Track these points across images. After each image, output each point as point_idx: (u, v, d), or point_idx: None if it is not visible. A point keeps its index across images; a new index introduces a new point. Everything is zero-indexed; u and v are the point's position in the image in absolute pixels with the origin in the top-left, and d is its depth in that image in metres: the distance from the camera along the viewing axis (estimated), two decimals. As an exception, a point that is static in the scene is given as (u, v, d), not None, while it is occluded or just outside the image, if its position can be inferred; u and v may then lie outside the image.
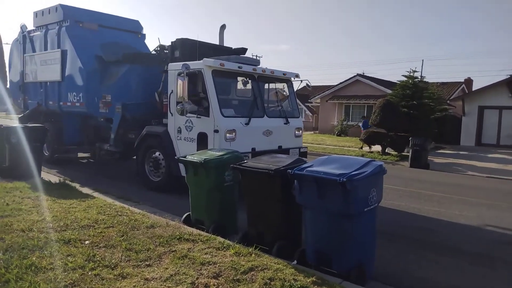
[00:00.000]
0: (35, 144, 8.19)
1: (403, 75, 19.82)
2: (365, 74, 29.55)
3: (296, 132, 8.63)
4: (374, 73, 75.41)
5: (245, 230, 4.90)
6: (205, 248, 4.25)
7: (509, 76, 21.17)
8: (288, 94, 8.82)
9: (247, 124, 7.42)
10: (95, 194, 7.14)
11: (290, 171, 4.13)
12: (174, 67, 7.70)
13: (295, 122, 8.65)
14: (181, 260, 3.87)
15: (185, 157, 5.40)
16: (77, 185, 7.67)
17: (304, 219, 4.25)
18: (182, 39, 8.25)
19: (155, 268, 3.67)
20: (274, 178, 4.40)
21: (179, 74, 7.15)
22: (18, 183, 7.08)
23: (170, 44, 8.43)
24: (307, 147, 9.33)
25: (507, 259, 5.00)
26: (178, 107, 7.16)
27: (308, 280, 3.58)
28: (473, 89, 28.23)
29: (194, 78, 7.30)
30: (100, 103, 9.51)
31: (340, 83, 28.68)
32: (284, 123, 8.33)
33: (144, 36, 11.68)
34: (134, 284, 3.29)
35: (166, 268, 3.66)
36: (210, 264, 3.81)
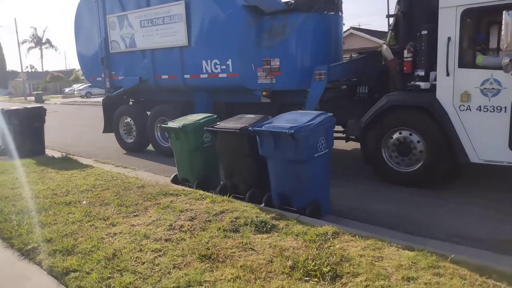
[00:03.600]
0: (36, 125, 8.90)
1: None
2: (359, 27, 29.42)
3: None
4: (369, 24, 73.83)
5: (223, 183, 5.63)
6: (186, 200, 4.99)
7: None
8: None
9: None
10: (96, 164, 7.89)
11: (251, 128, 4.78)
12: (456, 2, 5.21)
13: None
14: (164, 209, 4.62)
15: (166, 124, 6.06)
16: (78, 158, 8.43)
17: (268, 168, 4.94)
18: None
19: (141, 217, 4.43)
20: (241, 136, 5.06)
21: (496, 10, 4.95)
22: (25, 160, 7.86)
23: None
24: None
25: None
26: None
27: (268, 216, 4.30)
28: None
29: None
30: (259, 72, 7.14)
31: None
32: None
33: None
34: (122, 229, 4.06)
35: (150, 216, 4.42)
36: (188, 211, 4.55)
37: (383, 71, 6.80)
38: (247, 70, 7.15)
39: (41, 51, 70.67)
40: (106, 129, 10.15)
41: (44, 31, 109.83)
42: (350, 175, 6.59)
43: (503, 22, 4.65)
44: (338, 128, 7.43)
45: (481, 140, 5.17)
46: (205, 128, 5.48)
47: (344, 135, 7.10)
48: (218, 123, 5.58)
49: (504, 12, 4.63)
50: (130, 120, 9.52)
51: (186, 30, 7.58)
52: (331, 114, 4.94)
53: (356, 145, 6.86)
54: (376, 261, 3.19)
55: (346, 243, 3.57)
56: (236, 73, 7.17)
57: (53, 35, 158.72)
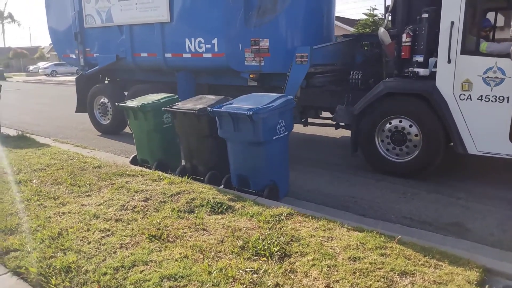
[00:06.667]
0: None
1: (363, 13, 20.10)
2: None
3: None
4: (343, 11, 73.90)
5: (183, 165, 5.54)
6: (142, 181, 4.87)
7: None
8: None
9: None
10: (54, 143, 7.59)
11: (210, 109, 4.70)
12: None
13: None
14: (118, 190, 4.49)
15: (125, 103, 5.88)
16: (36, 137, 8.09)
17: (227, 149, 4.90)
18: None
19: (93, 197, 4.30)
20: (200, 117, 4.96)
21: None
22: (-24, 138, 7.48)
23: None
24: None
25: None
26: None
27: (225, 198, 4.26)
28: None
29: None
30: (246, 53, 6.69)
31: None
32: None
33: None
34: (71, 208, 3.93)
35: (103, 197, 4.29)
36: (143, 192, 4.45)
37: (371, 55, 6.60)
38: (234, 51, 6.65)
39: (3, 26, 67.28)
40: (79, 109, 9.60)
41: (5, 4, 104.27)
42: (319, 161, 6.57)
43: None
44: (326, 114, 7.40)
45: (480, 131, 4.97)
46: (163, 108, 5.35)
47: (334, 122, 6.88)
48: (177, 103, 5.46)
49: None
50: (107, 101, 8.96)
51: (168, 5, 7.04)
52: (292, 97, 4.93)
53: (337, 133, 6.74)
54: (325, 241, 3.22)
55: (299, 224, 3.59)
56: (222, 53, 6.67)
57: (15, 9, 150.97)
